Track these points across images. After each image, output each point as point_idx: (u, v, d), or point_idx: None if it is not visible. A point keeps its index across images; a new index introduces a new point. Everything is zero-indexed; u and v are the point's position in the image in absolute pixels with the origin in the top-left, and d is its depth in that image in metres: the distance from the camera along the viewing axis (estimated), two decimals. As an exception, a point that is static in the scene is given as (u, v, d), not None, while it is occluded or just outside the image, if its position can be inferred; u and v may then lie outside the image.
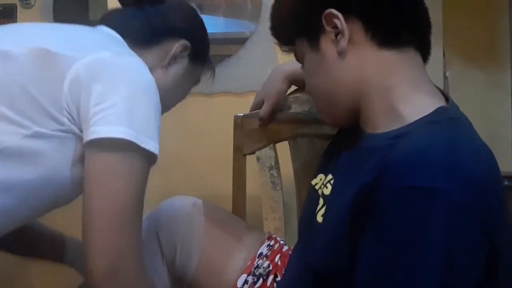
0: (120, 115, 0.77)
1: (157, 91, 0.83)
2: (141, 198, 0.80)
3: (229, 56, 1.66)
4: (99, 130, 0.76)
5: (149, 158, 0.80)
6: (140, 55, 0.89)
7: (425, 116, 0.69)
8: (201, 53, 1.06)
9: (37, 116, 0.77)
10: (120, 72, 0.81)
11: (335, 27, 0.75)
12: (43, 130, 0.78)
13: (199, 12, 1.09)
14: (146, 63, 0.87)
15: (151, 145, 0.79)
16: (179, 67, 1.00)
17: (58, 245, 1.09)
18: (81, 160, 0.80)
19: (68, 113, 0.79)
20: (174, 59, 0.99)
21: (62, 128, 0.79)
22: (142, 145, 0.77)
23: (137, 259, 0.79)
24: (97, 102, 0.77)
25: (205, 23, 1.08)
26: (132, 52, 0.89)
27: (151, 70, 0.87)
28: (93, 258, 0.75)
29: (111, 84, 0.79)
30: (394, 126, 0.71)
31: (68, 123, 0.79)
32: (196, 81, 1.10)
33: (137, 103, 0.79)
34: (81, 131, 0.80)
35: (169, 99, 0.92)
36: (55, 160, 0.80)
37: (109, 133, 0.76)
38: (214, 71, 1.12)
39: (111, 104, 0.77)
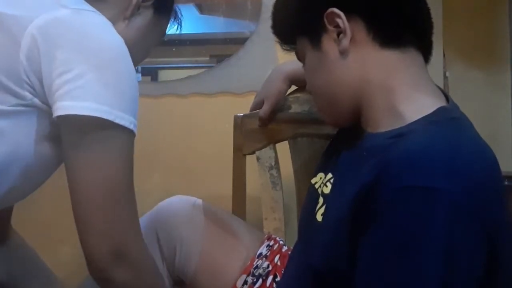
0: (89, 87, 0.68)
1: (128, 54, 0.74)
2: (129, 175, 0.74)
3: (229, 56, 1.66)
4: (66, 106, 0.68)
5: (128, 133, 0.73)
6: (97, 8, 0.77)
7: (426, 116, 0.69)
8: (166, 2, 0.95)
9: None
10: (84, 35, 0.71)
11: (337, 26, 0.75)
12: (2, 107, 0.70)
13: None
14: (105, 15, 0.77)
15: (127, 120, 0.71)
16: (143, 19, 0.89)
17: None
18: (48, 136, 0.74)
19: (29, 85, 0.70)
20: (137, 9, 0.87)
21: (23, 102, 0.71)
22: (117, 121, 0.69)
23: (139, 237, 0.75)
24: (60, 72, 0.68)
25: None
26: (91, 8, 0.77)
27: (112, 23, 0.77)
28: (94, 244, 0.70)
29: (75, 50, 0.69)
30: (395, 125, 0.71)
31: (30, 96, 0.71)
32: (162, 35, 0.98)
33: (107, 71, 0.70)
34: (47, 105, 0.71)
35: (133, 55, 0.79)
36: (19, 138, 0.73)
37: (78, 110, 0.68)
38: (180, 24, 1.00)
39: (77, 74, 0.68)
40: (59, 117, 0.69)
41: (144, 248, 0.77)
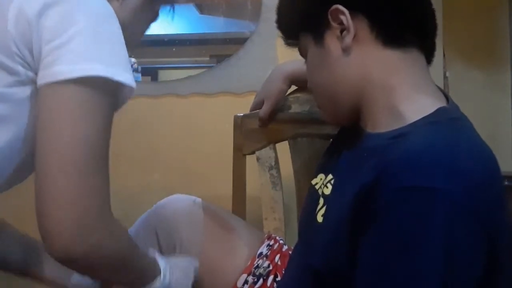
0: (81, 49, 0.66)
1: (114, 13, 0.72)
2: (108, 140, 0.70)
3: (229, 56, 1.66)
4: (55, 71, 0.65)
5: (119, 91, 0.70)
6: None
7: (426, 116, 0.69)
8: None
9: None
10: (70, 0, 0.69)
11: (341, 23, 0.75)
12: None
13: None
14: None
15: (125, 77, 0.68)
16: (136, 0, 0.86)
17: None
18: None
19: (21, 58, 0.68)
20: None
21: (18, 79, 0.68)
22: (116, 78, 0.67)
23: (109, 210, 0.68)
24: (49, 39, 0.66)
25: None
26: None
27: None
28: (59, 217, 0.63)
29: (64, 15, 0.67)
30: (395, 125, 0.71)
31: (23, 70, 0.68)
32: (155, 17, 0.94)
33: (99, 32, 0.68)
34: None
35: (127, 37, 0.76)
36: (23, 120, 0.70)
37: (69, 73, 0.65)
38: (173, 7, 0.96)
39: (67, 39, 0.66)
40: (46, 84, 0.66)
41: (117, 226, 0.70)
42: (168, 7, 0.94)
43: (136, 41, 0.93)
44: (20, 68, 0.68)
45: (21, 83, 0.69)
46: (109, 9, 0.72)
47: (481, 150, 0.68)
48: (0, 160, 0.70)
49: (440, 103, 0.72)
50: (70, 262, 0.66)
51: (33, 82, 0.69)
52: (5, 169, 0.72)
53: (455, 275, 0.60)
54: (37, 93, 0.68)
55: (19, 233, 0.97)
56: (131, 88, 0.70)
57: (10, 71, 0.68)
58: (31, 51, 0.68)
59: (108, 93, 0.68)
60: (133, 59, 1.73)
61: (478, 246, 0.61)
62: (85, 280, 0.88)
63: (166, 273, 0.83)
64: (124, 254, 0.73)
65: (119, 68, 0.69)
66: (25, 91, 0.70)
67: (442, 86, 1.59)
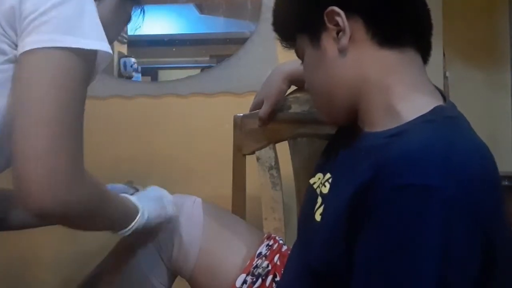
0: (56, 21, 0.70)
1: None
2: (83, 103, 0.72)
3: (229, 56, 1.66)
4: (31, 40, 0.69)
5: (90, 56, 0.73)
6: None
7: (422, 115, 0.69)
8: None
9: None
10: None
11: (336, 24, 0.76)
12: None
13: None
14: None
15: (99, 45, 0.73)
16: (109, 3, 0.89)
17: None
18: None
19: (6, 38, 0.72)
20: None
21: (6, 58, 0.72)
22: (88, 47, 0.71)
23: (80, 172, 0.70)
24: (26, 15, 0.70)
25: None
26: None
27: None
28: (32, 167, 0.65)
29: None
30: (392, 125, 0.71)
31: (10, 49, 0.72)
32: (127, 20, 0.97)
33: (70, 5, 0.72)
34: None
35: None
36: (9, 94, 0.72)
37: (45, 42, 0.69)
38: (143, 10, 0.99)
39: (42, 12, 0.70)
40: (26, 52, 0.69)
41: (85, 179, 0.71)
42: (139, 9, 0.98)
43: (111, 43, 0.93)
44: (6, 47, 0.72)
45: (9, 61, 0.73)
46: None
47: (477, 148, 0.68)
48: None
49: (437, 102, 0.73)
50: (43, 217, 0.69)
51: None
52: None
53: (452, 273, 0.60)
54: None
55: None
56: (106, 53, 0.74)
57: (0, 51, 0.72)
58: (15, 31, 0.72)
59: (82, 60, 0.71)
60: (133, 59, 1.73)
61: (475, 243, 0.61)
62: None
63: (144, 211, 0.87)
64: (96, 205, 0.75)
65: (91, 36, 0.72)
66: (12, 68, 0.73)
67: (442, 86, 1.59)
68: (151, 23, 1.85)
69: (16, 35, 0.72)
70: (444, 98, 0.77)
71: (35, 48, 0.69)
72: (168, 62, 1.91)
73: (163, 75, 1.89)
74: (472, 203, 0.61)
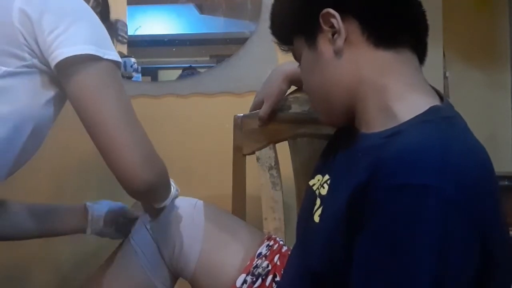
0: (77, 35, 0.84)
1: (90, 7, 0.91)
2: (128, 98, 0.89)
3: (229, 56, 1.66)
4: (62, 52, 0.82)
5: (115, 65, 0.87)
6: None
7: (418, 115, 0.69)
8: None
9: (1, 58, 0.84)
10: (61, 1, 0.88)
11: (332, 26, 0.76)
12: (9, 69, 0.84)
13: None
14: None
15: (113, 55, 0.86)
16: None
17: (80, 218, 1.12)
18: (50, 94, 0.88)
19: (28, 47, 0.84)
20: None
21: (25, 63, 0.85)
22: (105, 56, 0.84)
23: (153, 147, 0.89)
24: (51, 30, 0.83)
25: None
26: None
27: None
28: (129, 155, 0.83)
29: (57, 12, 0.85)
30: (388, 125, 0.71)
31: (29, 57, 0.85)
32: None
33: (85, 23, 0.86)
34: (45, 65, 0.85)
35: None
36: (26, 96, 0.86)
37: (72, 52, 0.82)
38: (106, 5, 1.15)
39: (64, 29, 0.83)
40: (58, 64, 0.83)
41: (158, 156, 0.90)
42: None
43: None
44: (26, 55, 0.85)
45: (27, 66, 0.86)
46: (86, 5, 0.90)
47: (474, 147, 0.68)
48: (11, 126, 0.85)
49: (433, 102, 0.73)
50: (143, 191, 0.87)
51: (37, 67, 0.86)
52: (18, 134, 0.87)
53: (448, 272, 0.60)
54: (42, 76, 0.87)
55: (26, 203, 1.13)
56: (118, 62, 0.87)
57: (19, 57, 0.85)
58: (36, 41, 0.84)
59: (106, 62, 0.86)
60: (133, 59, 1.73)
61: (471, 243, 0.61)
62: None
63: (173, 184, 1.05)
64: (168, 176, 0.96)
65: (106, 47, 0.86)
66: (30, 72, 0.86)
67: (442, 86, 1.59)
68: (151, 23, 1.86)
69: (38, 46, 0.84)
70: (441, 97, 0.77)
71: (72, 55, 0.82)
72: (168, 62, 1.91)
73: (163, 75, 1.89)
74: (469, 203, 0.61)
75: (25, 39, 0.84)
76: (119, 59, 0.87)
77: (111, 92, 0.85)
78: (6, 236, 1.09)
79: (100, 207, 1.12)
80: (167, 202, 1.01)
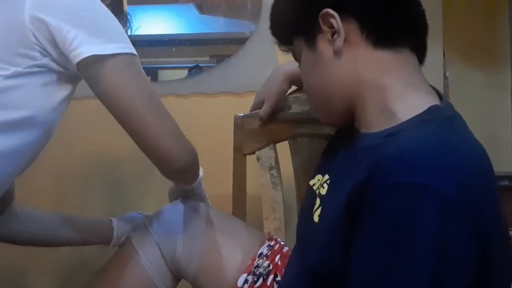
0: (99, 32, 0.86)
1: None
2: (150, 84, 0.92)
3: (229, 56, 1.66)
4: (86, 50, 0.83)
5: (134, 56, 0.89)
6: None
7: (418, 115, 0.69)
8: None
9: (10, 57, 0.84)
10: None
11: (331, 26, 0.76)
12: (19, 69, 0.84)
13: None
14: None
15: (130, 49, 0.88)
16: None
17: (107, 234, 1.14)
18: (60, 92, 0.89)
19: (40, 47, 0.84)
20: None
21: (35, 63, 0.85)
22: (126, 50, 0.87)
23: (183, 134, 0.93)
24: (68, 29, 0.83)
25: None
26: None
27: None
28: (167, 143, 0.87)
29: (70, 10, 0.86)
30: (388, 125, 0.71)
31: (40, 56, 0.85)
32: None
33: (103, 18, 0.88)
34: (58, 64, 0.86)
35: None
36: (37, 94, 0.86)
37: (99, 51, 0.84)
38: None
39: (85, 26, 0.85)
40: (81, 61, 0.83)
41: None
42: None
43: None
44: (37, 54, 0.85)
45: (37, 66, 0.85)
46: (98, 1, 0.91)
47: (473, 147, 0.68)
48: (23, 124, 0.86)
49: (433, 101, 0.73)
50: (181, 170, 0.92)
51: (48, 67, 0.86)
52: (29, 131, 0.87)
53: (447, 271, 0.60)
54: (53, 75, 0.87)
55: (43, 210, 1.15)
56: (135, 55, 0.89)
57: (30, 57, 0.84)
58: (52, 42, 0.84)
59: (127, 57, 0.88)
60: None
61: (469, 242, 0.61)
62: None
63: (201, 171, 1.09)
64: (197, 154, 0.98)
65: (126, 42, 0.88)
66: (40, 71, 0.86)
67: (442, 86, 1.60)
68: (151, 23, 1.86)
69: (55, 44, 0.84)
70: (441, 97, 0.77)
71: (98, 55, 0.83)
72: (168, 62, 1.91)
73: (163, 75, 1.89)
74: (468, 202, 0.61)
75: (36, 38, 0.84)
76: (135, 52, 0.89)
77: (137, 83, 0.88)
78: (28, 241, 1.12)
79: (124, 225, 1.13)
80: (196, 183, 1.08)
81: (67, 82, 0.90)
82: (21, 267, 1.66)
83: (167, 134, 0.88)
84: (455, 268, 0.60)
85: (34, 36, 0.83)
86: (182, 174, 0.98)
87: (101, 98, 0.87)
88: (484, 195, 0.64)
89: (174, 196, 1.14)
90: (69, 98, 0.92)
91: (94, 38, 0.84)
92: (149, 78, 1.83)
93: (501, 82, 1.92)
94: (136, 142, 0.89)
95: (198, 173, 1.07)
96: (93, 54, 0.83)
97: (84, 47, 0.83)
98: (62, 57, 0.85)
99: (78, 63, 0.84)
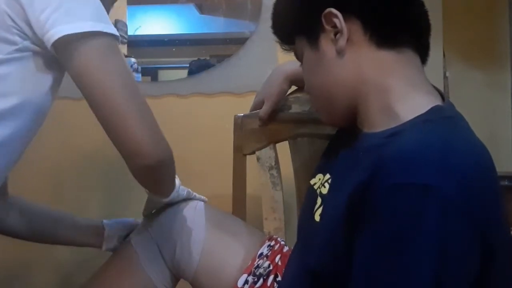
0: (71, 11, 0.80)
1: None
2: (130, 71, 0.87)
3: (229, 56, 1.66)
4: (59, 30, 0.78)
5: (114, 38, 0.84)
6: None
7: (420, 115, 0.69)
8: None
9: None
10: None
11: (334, 26, 0.76)
12: (1, 56, 0.81)
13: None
14: None
15: (110, 29, 0.82)
16: None
17: (97, 235, 1.12)
18: (45, 75, 0.85)
19: (18, 30, 0.81)
20: None
21: (16, 47, 0.81)
22: (105, 30, 0.81)
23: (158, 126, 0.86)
24: (42, 9, 0.79)
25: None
26: None
27: None
28: (138, 132, 0.80)
29: None
30: (390, 125, 0.71)
31: (20, 40, 0.81)
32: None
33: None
34: (38, 46, 0.82)
35: None
36: (23, 81, 0.83)
37: (71, 29, 0.79)
38: None
39: (57, 6, 0.79)
40: (55, 42, 0.79)
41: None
42: None
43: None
44: (17, 38, 0.81)
45: (19, 50, 0.82)
46: None
47: (475, 147, 0.68)
48: (13, 113, 0.82)
49: (435, 101, 0.73)
50: (152, 169, 0.84)
51: (30, 50, 0.82)
52: (21, 120, 0.84)
53: (448, 271, 0.60)
54: (37, 58, 0.83)
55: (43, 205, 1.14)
56: (116, 36, 0.84)
57: (9, 42, 0.81)
58: (27, 22, 0.80)
59: (105, 36, 0.82)
60: (133, 59, 1.73)
61: (472, 243, 0.61)
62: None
63: (177, 179, 1.02)
64: (171, 157, 0.90)
65: (104, 22, 0.82)
66: (22, 56, 0.82)
67: (442, 86, 1.60)
68: (151, 23, 1.86)
69: (30, 26, 0.80)
70: (443, 97, 0.77)
71: (70, 34, 0.78)
72: (168, 62, 1.91)
73: (163, 75, 1.89)
74: (470, 202, 0.61)
75: (12, 20, 0.80)
76: (117, 33, 0.84)
77: (113, 66, 0.82)
78: (20, 234, 1.09)
79: (116, 226, 1.12)
80: (173, 196, 1.00)
81: (53, 62, 0.85)
82: (21, 267, 1.66)
83: (140, 125, 0.81)
84: (456, 268, 0.60)
85: (10, 17, 0.80)
86: (154, 173, 0.88)
87: (73, 77, 0.82)
88: (486, 195, 0.64)
89: (149, 210, 1.07)
90: (59, 80, 0.88)
91: (68, 16, 0.79)
92: (149, 78, 1.84)
93: (501, 82, 1.92)
94: (106, 131, 0.82)
95: (174, 180, 0.99)
96: (66, 33, 0.78)
97: (58, 27, 0.78)
98: (36, 38, 0.81)
99: (54, 43, 0.79)
